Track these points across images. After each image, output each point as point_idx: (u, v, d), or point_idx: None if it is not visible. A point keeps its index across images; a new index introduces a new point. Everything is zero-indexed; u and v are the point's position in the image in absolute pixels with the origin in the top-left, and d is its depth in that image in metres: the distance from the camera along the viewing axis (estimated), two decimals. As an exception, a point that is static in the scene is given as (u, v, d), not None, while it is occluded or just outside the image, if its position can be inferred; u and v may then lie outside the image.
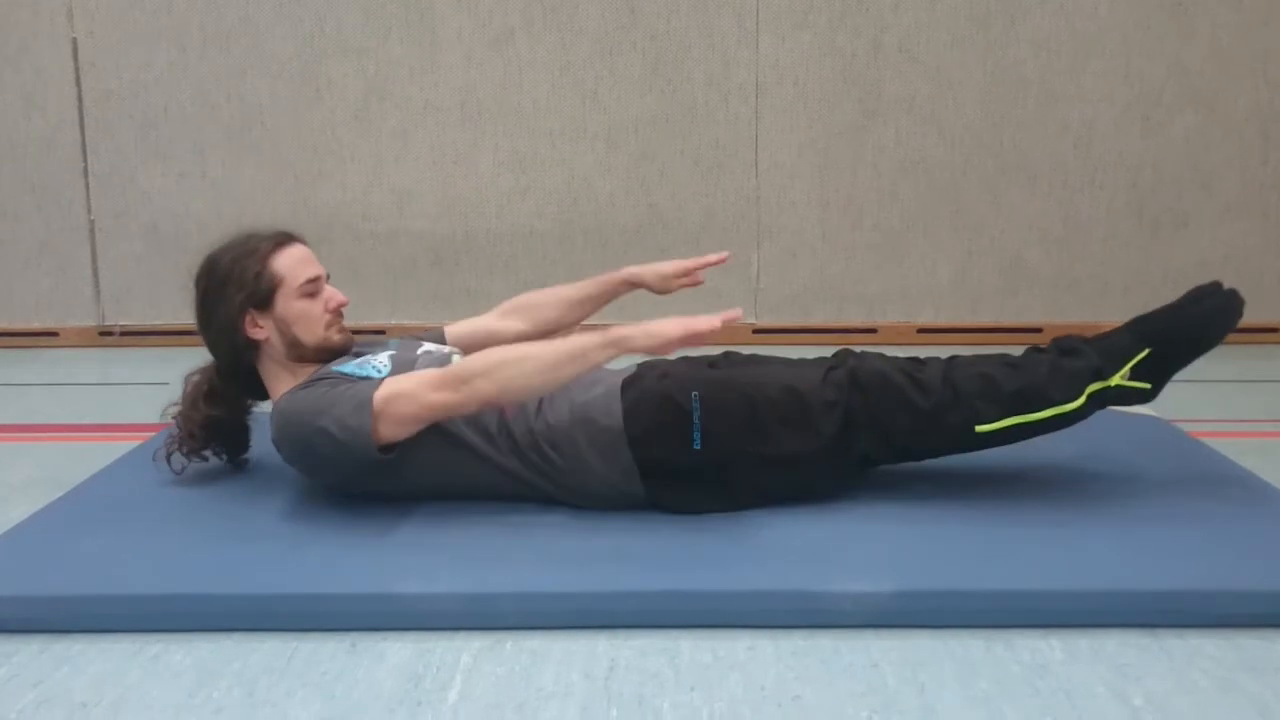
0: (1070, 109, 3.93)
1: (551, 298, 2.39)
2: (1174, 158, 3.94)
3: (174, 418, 2.21)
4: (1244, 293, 2.08)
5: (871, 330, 4.08)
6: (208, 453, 2.26)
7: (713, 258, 2.30)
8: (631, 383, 2.08)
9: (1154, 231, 4.00)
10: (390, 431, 1.93)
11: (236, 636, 1.71)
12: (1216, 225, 3.97)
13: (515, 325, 2.36)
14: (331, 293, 2.15)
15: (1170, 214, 3.98)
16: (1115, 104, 3.92)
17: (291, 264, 2.11)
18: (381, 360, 2.10)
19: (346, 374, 2.03)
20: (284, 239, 2.14)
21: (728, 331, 3.99)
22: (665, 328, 1.86)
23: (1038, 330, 4.04)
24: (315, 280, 2.12)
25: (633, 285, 2.34)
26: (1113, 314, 4.00)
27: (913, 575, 1.76)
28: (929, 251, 4.05)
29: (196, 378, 2.21)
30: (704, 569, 1.80)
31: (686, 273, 2.30)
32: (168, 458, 2.21)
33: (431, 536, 1.95)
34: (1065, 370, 1.99)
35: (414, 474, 2.03)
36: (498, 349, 1.98)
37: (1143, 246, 4.01)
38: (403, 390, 1.92)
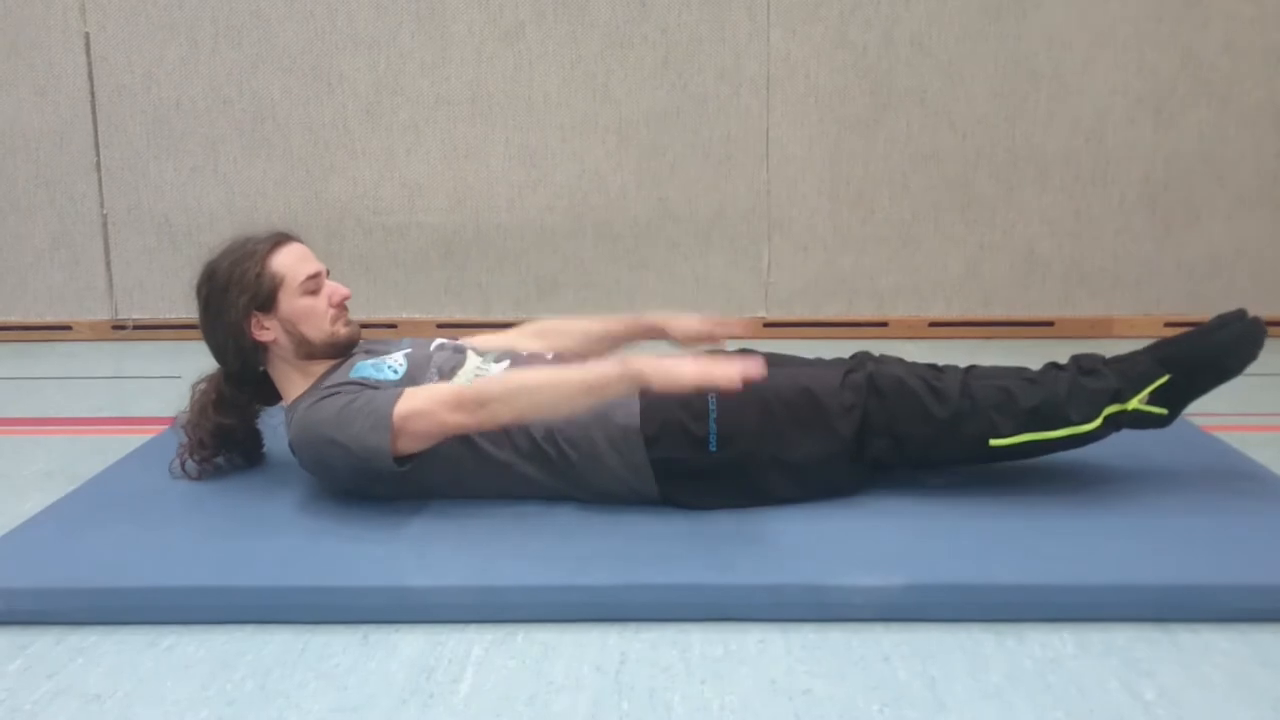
0: (1082, 102, 3.91)
1: (576, 329, 2.37)
2: (1187, 151, 3.93)
3: (182, 427, 2.22)
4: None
5: (883, 324, 4.07)
6: (221, 460, 2.26)
7: (735, 323, 2.26)
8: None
9: (1166, 225, 3.98)
10: (407, 446, 1.95)
11: (249, 629, 1.72)
12: (1229, 218, 3.95)
13: (537, 349, 2.35)
14: (334, 287, 2.15)
15: (1183, 207, 3.96)
16: (1128, 97, 3.90)
17: (291, 262, 2.11)
18: (397, 359, 2.10)
19: (363, 379, 2.04)
20: (280, 239, 2.14)
21: (738, 326, 3.96)
22: (683, 372, 1.83)
23: (1049, 324, 4.03)
24: (316, 276, 2.12)
25: (657, 335, 2.30)
26: (1125, 308, 4.00)
27: (923, 569, 1.76)
28: (940, 245, 4.04)
29: (204, 386, 2.21)
30: (715, 562, 1.81)
31: (711, 337, 2.24)
32: (182, 466, 2.22)
33: (443, 530, 1.96)
34: (1084, 390, 1.98)
35: (430, 479, 2.03)
36: (517, 373, 1.99)
37: (1155, 240, 3.99)
38: (420, 409, 1.93)
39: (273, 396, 2.21)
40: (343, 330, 2.15)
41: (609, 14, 3.95)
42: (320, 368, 2.13)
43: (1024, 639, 1.65)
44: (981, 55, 3.90)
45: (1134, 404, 1.99)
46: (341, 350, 2.15)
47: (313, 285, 2.12)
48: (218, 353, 2.15)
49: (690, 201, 4.05)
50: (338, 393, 2.00)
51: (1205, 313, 2.05)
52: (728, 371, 1.80)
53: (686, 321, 2.26)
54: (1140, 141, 3.93)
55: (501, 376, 2.01)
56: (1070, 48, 3.88)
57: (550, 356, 2.21)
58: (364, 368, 2.08)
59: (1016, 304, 4.06)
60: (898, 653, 1.62)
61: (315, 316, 2.11)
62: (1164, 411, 2.01)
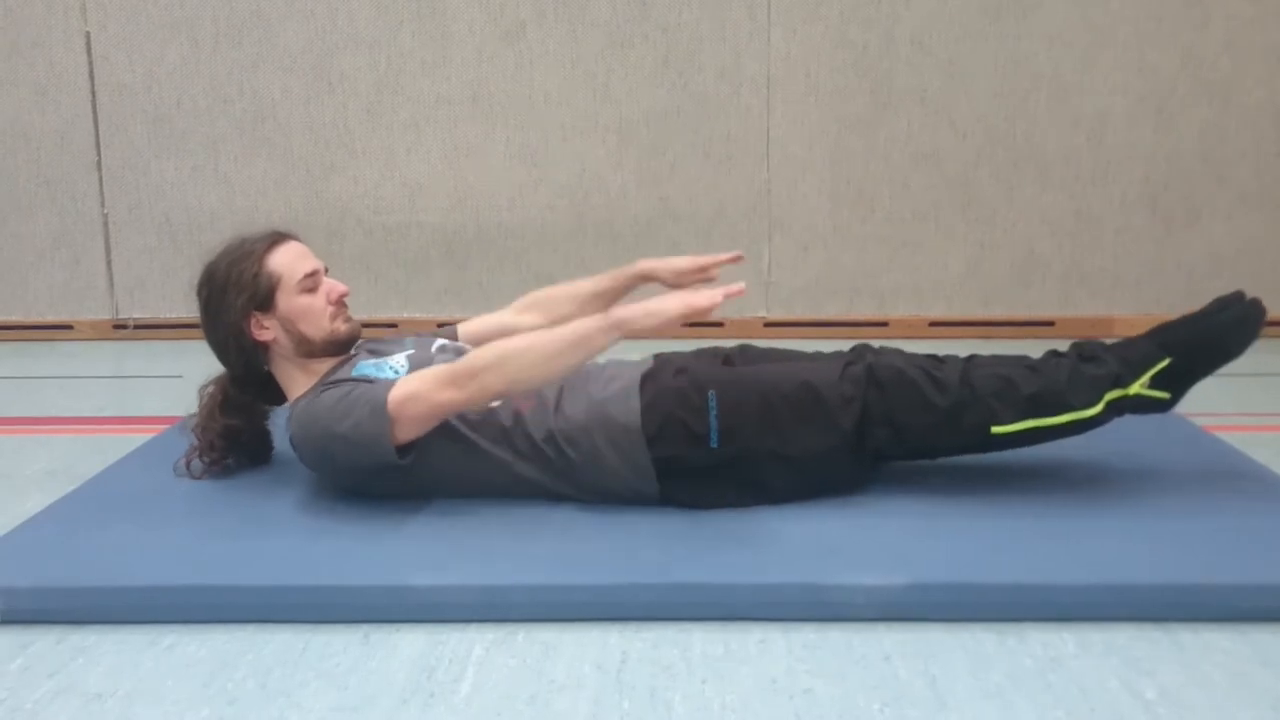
0: (1083, 101, 3.91)
1: (566, 293, 2.38)
2: (1187, 150, 3.93)
3: (192, 430, 2.22)
4: (1258, 286, 2.07)
5: (883, 324, 4.07)
6: (231, 461, 2.25)
7: (725, 256, 2.30)
8: (649, 379, 2.08)
9: (1167, 224, 3.98)
10: (406, 433, 1.94)
11: (250, 628, 1.72)
12: (1230, 218, 3.95)
13: (531, 320, 2.35)
14: (331, 284, 2.15)
15: (1183, 207, 3.96)
16: (1128, 96, 3.90)
17: (288, 261, 2.11)
18: (399, 360, 2.10)
19: (364, 377, 2.04)
20: (277, 238, 2.14)
21: (739, 326, 3.96)
22: (666, 306, 1.85)
23: (1050, 324, 4.03)
24: (314, 274, 2.12)
25: (646, 279, 2.33)
26: (1125, 307, 4.00)
27: (924, 568, 1.76)
28: (941, 244, 4.04)
29: (211, 389, 2.21)
30: (716, 562, 1.81)
31: (700, 269, 2.29)
32: (187, 465, 2.22)
33: (444, 529, 1.95)
34: (1085, 376, 1.97)
35: (429, 477, 2.03)
36: (501, 342, 1.97)
37: (1156, 239, 3.99)
38: (413, 391, 1.92)
39: (278, 397, 2.21)
40: (343, 327, 2.15)
41: (609, 13, 3.95)
42: (323, 366, 2.13)
43: (1025, 638, 1.65)
44: (982, 55, 3.90)
45: (1135, 389, 1.98)
46: (342, 347, 2.15)
47: (310, 283, 2.12)
48: (220, 354, 2.15)
49: (691, 201, 4.05)
50: (334, 386, 2.00)
51: (1206, 313, 2.04)
52: (710, 295, 1.83)
53: (675, 262, 2.29)
54: (1141, 141, 3.93)
55: (487, 346, 1.97)
56: (1071, 47, 3.88)
57: None
58: (365, 367, 2.08)
59: (1017, 303, 4.07)
60: (899, 652, 1.62)
61: (314, 314, 2.11)
62: (1166, 395, 2.00)
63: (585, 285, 2.38)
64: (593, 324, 1.89)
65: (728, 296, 1.83)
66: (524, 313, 2.39)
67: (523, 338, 1.95)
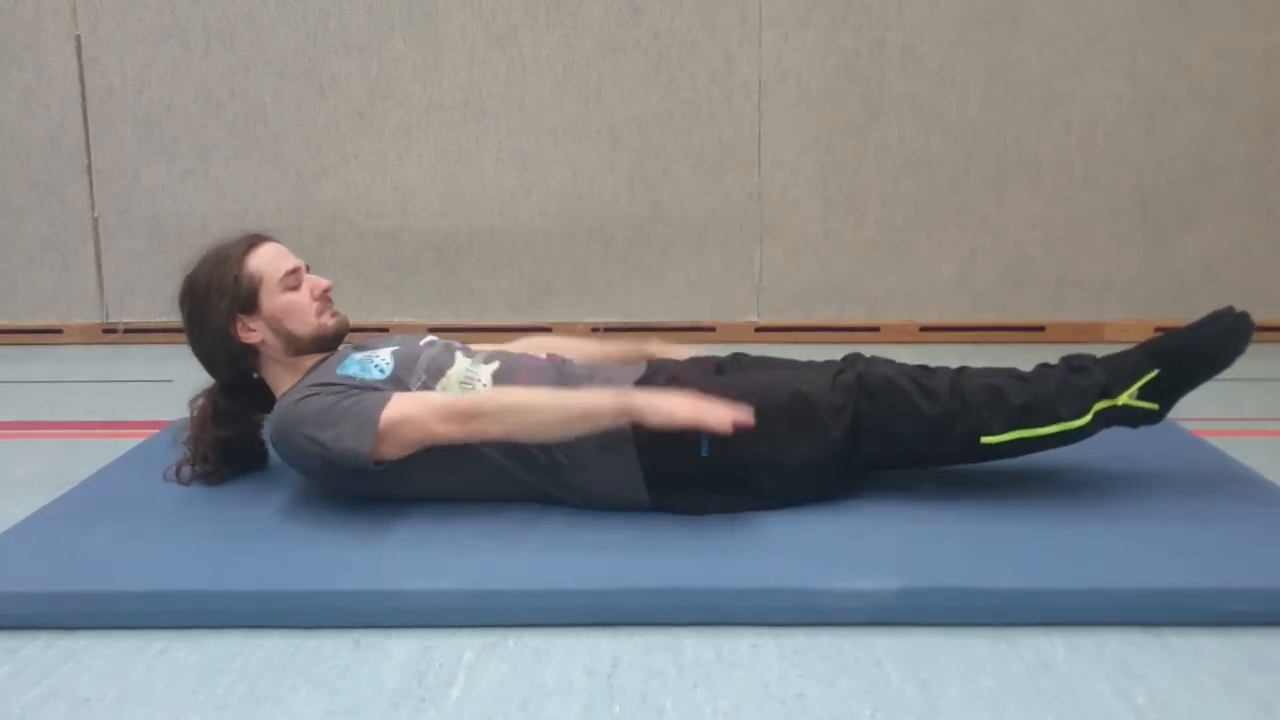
0: (1074, 107, 3.93)
1: (571, 348, 2.37)
2: (1178, 156, 3.94)
3: (185, 443, 2.21)
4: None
5: (874, 329, 4.08)
6: (226, 471, 2.23)
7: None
8: (641, 387, 2.08)
9: (1158, 230, 3.99)
10: (391, 452, 1.95)
11: (240, 633, 1.72)
12: (1221, 224, 3.96)
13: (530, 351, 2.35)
14: (314, 280, 2.15)
15: (1174, 212, 3.98)
16: (1119, 102, 3.92)
17: (267, 260, 2.10)
18: (384, 356, 2.09)
19: (349, 378, 2.03)
20: (254, 240, 2.13)
21: (731, 331, 3.96)
22: (677, 411, 1.86)
23: (1040, 329, 4.04)
24: (295, 272, 2.12)
25: (653, 362, 2.31)
26: (1116, 313, 4.02)
27: (916, 573, 1.76)
28: (932, 250, 4.05)
29: (201, 401, 2.20)
30: (707, 566, 1.81)
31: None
32: (177, 472, 2.21)
33: (435, 533, 1.95)
34: (1074, 387, 1.98)
35: (415, 478, 2.02)
36: (511, 391, 2.00)
37: (1146, 245, 4.00)
38: (409, 416, 1.93)
39: (269, 404, 2.20)
40: (330, 321, 2.14)
41: (601, 18, 3.96)
42: (310, 363, 2.12)
43: (1015, 643, 1.65)
44: (973, 60, 3.91)
45: (1124, 399, 1.99)
46: (331, 342, 2.14)
47: (293, 281, 2.11)
48: (208, 363, 2.14)
49: (682, 206, 4.05)
50: (323, 391, 1.99)
51: (1196, 318, 2.05)
52: (720, 415, 1.85)
53: (685, 352, 2.32)
54: (1131, 146, 3.94)
55: (497, 392, 2.00)
56: (1062, 53, 3.89)
57: (544, 356, 2.21)
58: (350, 364, 2.07)
59: (1008, 309, 4.07)
60: (890, 657, 1.62)
61: (299, 310, 2.10)
62: (1154, 407, 2.01)
63: (593, 349, 2.40)
64: (604, 404, 1.92)
65: (737, 427, 1.85)
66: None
67: (532, 394, 1.98)
